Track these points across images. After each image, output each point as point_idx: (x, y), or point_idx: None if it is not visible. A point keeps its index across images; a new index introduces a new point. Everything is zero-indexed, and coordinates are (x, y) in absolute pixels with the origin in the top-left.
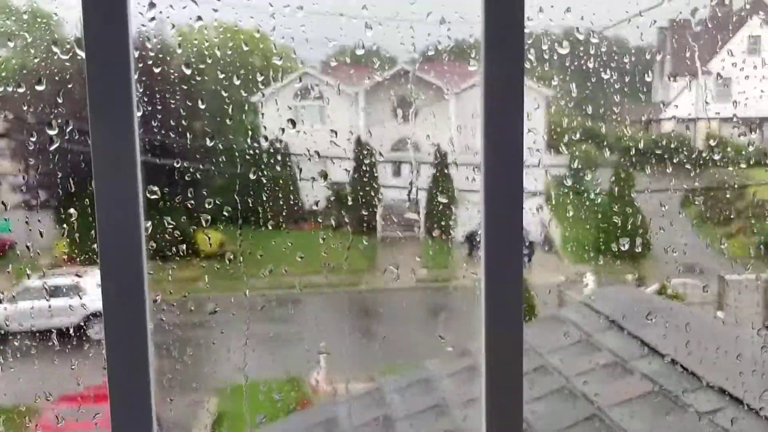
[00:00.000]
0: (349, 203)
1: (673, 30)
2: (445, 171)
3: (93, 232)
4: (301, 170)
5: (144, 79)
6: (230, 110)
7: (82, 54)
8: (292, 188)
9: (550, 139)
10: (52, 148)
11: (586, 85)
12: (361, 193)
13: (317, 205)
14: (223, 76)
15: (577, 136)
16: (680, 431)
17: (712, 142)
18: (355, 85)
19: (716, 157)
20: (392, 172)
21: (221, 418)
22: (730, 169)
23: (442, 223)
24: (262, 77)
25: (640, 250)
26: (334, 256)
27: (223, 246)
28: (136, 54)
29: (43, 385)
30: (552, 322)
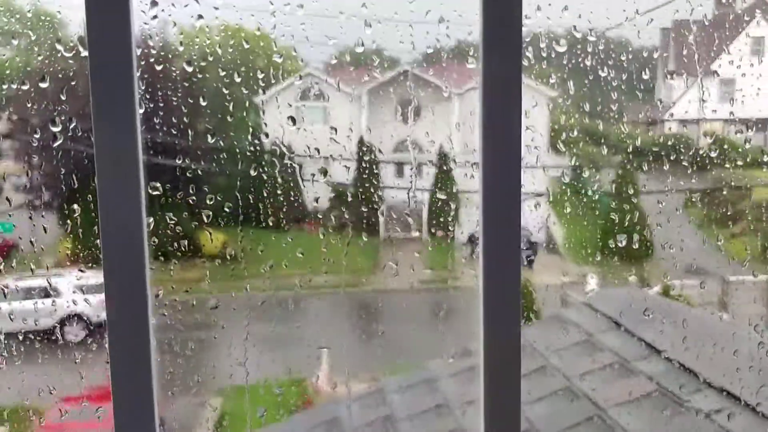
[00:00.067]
0: (352, 204)
1: (676, 30)
2: (448, 171)
3: (96, 228)
4: (301, 167)
5: (146, 76)
6: (231, 107)
7: (85, 52)
8: (293, 188)
9: (553, 140)
10: (56, 145)
11: (589, 85)
12: (363, 194)
13: (317, 201)
14: (224, 74)
15: (580, 136)
16: (679, 428)
17: (714, 143)
18: (357, 86)
19: (718, 157)
20: (395, 172)
21: (223, 415)
22: (730, 168)
23: (445, 224)
24: (263, 75)
25: (637, 247)
26: (336, 256)
27: (226, 245)
28: (138, 52)
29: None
30: (555, 322)
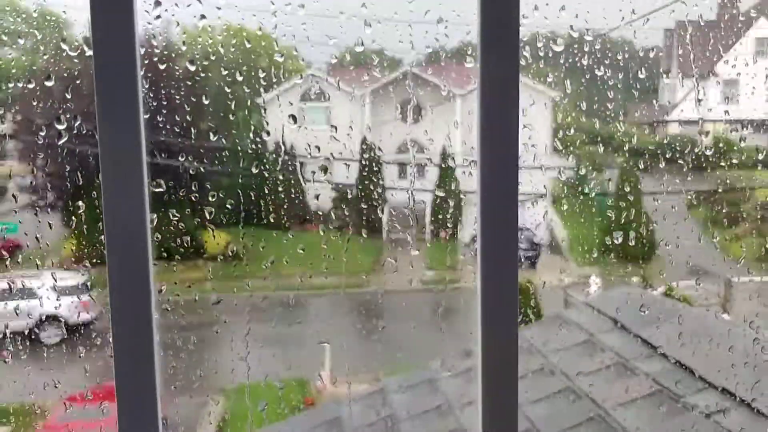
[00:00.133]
0: (354, 204)
1: (679, 32)
2: (451, 172)
3: (100, 224)
4: (302, 164)
5: (150, 75)
6: (233, 107)
7: (90, 52)
8: (294, 186)
9: (556, 141)
10: (61, 142)
11: (589, 85)
12: (365, 195)
13: (318, 199)
14: (226, 72)
15: (583, 137)
16: (674, 421)
17: (717, 144)
18: (359, 86)
19: (722, 158)
20: (398, 173)
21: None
22: (726, 168)
23: (448, 224)
24: (264, 74)
25: (634, 244)
26: (336, 256)
27: (229, 244)
28: (142, 51)
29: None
30: (556, 322)
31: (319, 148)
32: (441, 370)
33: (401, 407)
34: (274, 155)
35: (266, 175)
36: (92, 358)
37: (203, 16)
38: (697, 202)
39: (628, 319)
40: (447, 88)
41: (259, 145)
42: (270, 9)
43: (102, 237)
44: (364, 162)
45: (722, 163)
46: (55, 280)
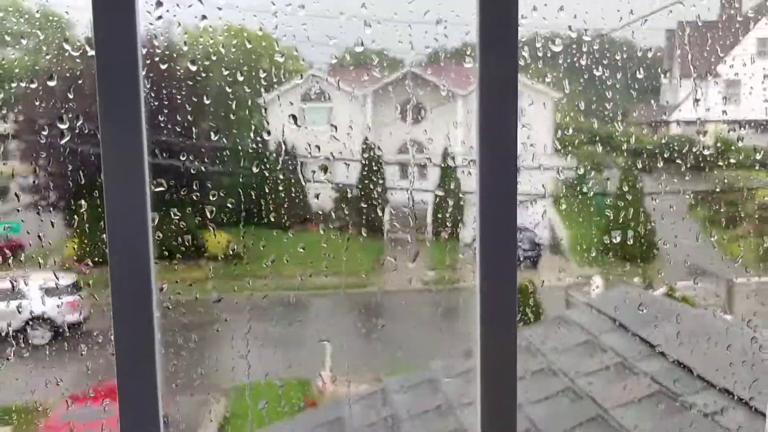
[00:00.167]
0: (355, 204)
1: (680, 32)
2: (452, 172)
3: (102, 223)
4: (303, 164)
5: (152, 75)
6: (234, 106)
7: (92, 52)
8: (295, 185)
9: (556, 141)
10: (63, 141)
11: (590, 86)
12: (366, 195)
13: (319, 199)
14: (227, 73)
15: (583, 137)
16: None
17: (717, 144)
18: (362, 87)
19: (721, 159)
20: (399, 173)
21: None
22: (729, 170)
23: (449, 225)
24: (265, 74)
25: (634, 243)
26: (338, 256)
27: (230, 243)
28: (144, 51)
29: None
30: (557, 322)
31: (319, 148)
32: (441, 373)
33: (402, 407)
34: (275, 155)
35: (267, 175)
36: (79, 359)
37: (204, 17)
38: (697, 203)
39: (627, 319)
40: (448, 89)
41: (260, 145)
42: (270, 9)
43: (103, 236)
44: (365, 162)
45: (722, 164)
46: (58, 281)
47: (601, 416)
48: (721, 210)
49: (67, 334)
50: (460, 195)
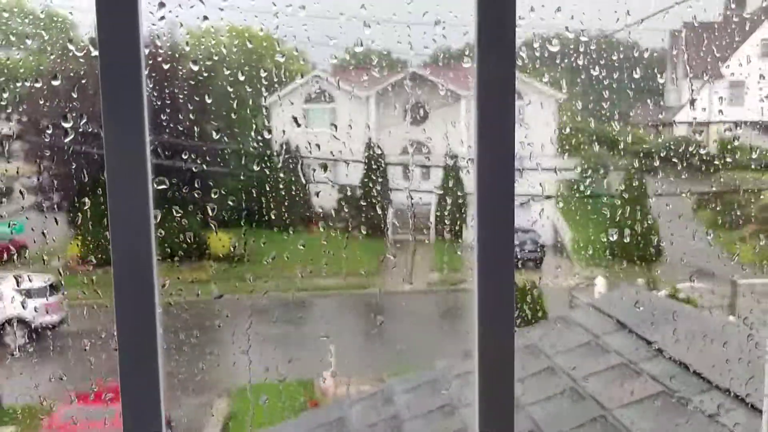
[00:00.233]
0: (359, 205)
1: (685, 33)
2: (455, 173)
3: (105, 220)
4: (307, 165)
5: (154, 74)
6: (235, 105)
7: (95, 52)
8: (297, 187)
9: (560, 142)
10: (67, 140)
11: (598, 88)
12: (370, 196)
13: (321, 198)
14: (228, 72)
15: (586, 138)
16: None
17: (721, 145)
18: (365, 88)
19: (725, 160)
20: (403, 174)
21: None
22: (733, 171)
23: (452, 225)
24: (266, 74)
25: (637, 245)
26: (340, 258)
27: (232, 244)
28: (147, 52)
29: None
30: (560, 323)
31: (319, 147)
32: (444, 375)
33: (404, 407)
34: (279, 156)
35: (271, 175)
36: (54, 360)
37: (206, 17)
38: (700, 204)
39: (630, 321)
40: (450, 89)
41: (264, 146)
42: (271, 10)
43: (107, 233)
44: (368, 163)
45: (726, 165)
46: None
47: (604, 416)
48: (726, 211)
49: (46, 336)
50: (464, 196)
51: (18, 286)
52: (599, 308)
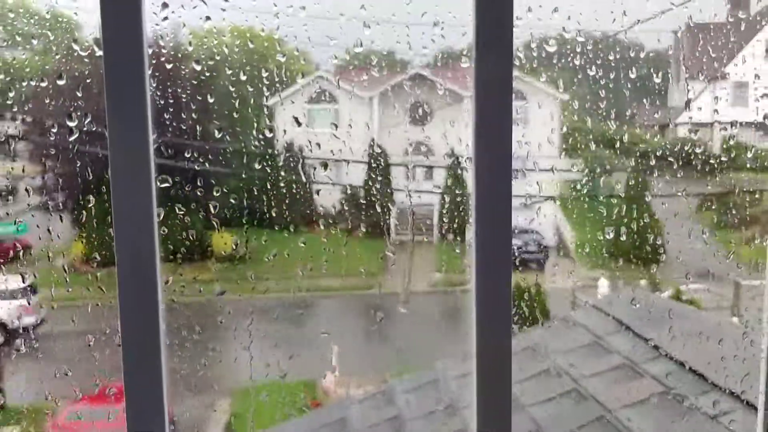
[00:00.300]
0: (362, 206)
1: (689, 34)
2: (459, 174)
3: (109, 217)
4: (310, 166)
5: (157, 74)
6: (237, 105)
7: (100, 52)
8: (299, 187)
9: (562, 143)
10: (72, 138)
11: (600, 89)
12: (373, 196)
13: (325, 199)
14: (230, 72)
15: (589, 139)
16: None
17: (724, 146)
18: (369, 89)
19: (731, 161)
20: (407, 175)
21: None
22: (737, 172)
23: (455, 226)
24: (268, 74)
25: (640, 246)
26: (343, 258)
27: (235, 242)
28: (150, 51)
29: None
30: (563, 324)
31: (320, 145)
32: (445, 373)
33: (406, 407)
34: (282, 156)
35: (273, 176)
36: (28, 363)
37: (208, 18)
38: (703, 205)
39: (633, 322)
40: (454, 90)
41: (266, 146)
42: (272, 11)
43: (111, 230)
44: (372, 163)
45: (729, 166)
46: None
47: (605, 417)
48: (730, 213)
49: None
50: (465, 195)
51: None
52: (601, 309)
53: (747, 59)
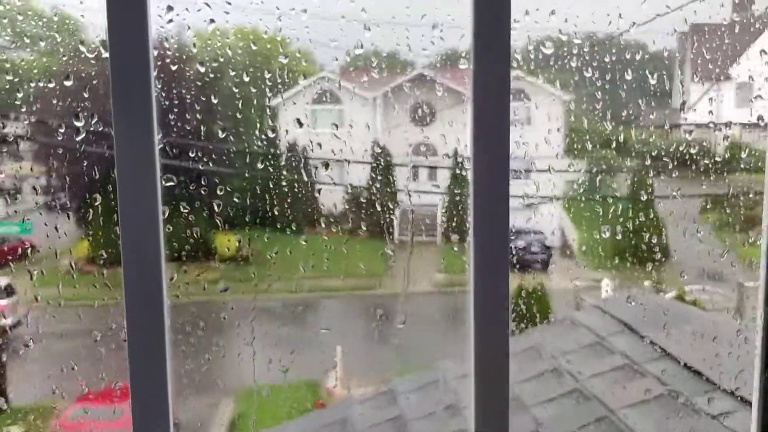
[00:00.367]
0: (366, 207)
1: (693, 34)
2: (462, 175)
3: (115, 216)
4: (314, 167)
5: (162, 76)
6: (241, 106)
7: (106, 54)
8: (302, 187)
9: (566, 144)
10: (78, 138)
11: (603, 89)
12: (377, 197)
13: (327, 199)
14: (234, 73)
15: (593, 140)
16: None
17: (729, 147)
18: (372, 90)
19: (734, 162)
20: (410, 176)
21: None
22: (742, 173)
23: (458, 227)
24: (270, 75)
25: (644, 247)
26: (345, 259)
27: (239, 243)
28: (155, 53)
29: None
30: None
31: (320, 146)
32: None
33: (408, 407)
34: (286, 157)
35: (276, 177)
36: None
37: (212, 20)
38: (708, 206)
39: (635, 322)
40: (454, 91)
41: (269, 146)
42: (275, 13)
43: (116, 229)
44: (375, 164)
45: (734, 167)
46: None
47: (608, 417)
48: (734, 214)
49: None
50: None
51: None
52: (605, 309)
53: (755, 58)
